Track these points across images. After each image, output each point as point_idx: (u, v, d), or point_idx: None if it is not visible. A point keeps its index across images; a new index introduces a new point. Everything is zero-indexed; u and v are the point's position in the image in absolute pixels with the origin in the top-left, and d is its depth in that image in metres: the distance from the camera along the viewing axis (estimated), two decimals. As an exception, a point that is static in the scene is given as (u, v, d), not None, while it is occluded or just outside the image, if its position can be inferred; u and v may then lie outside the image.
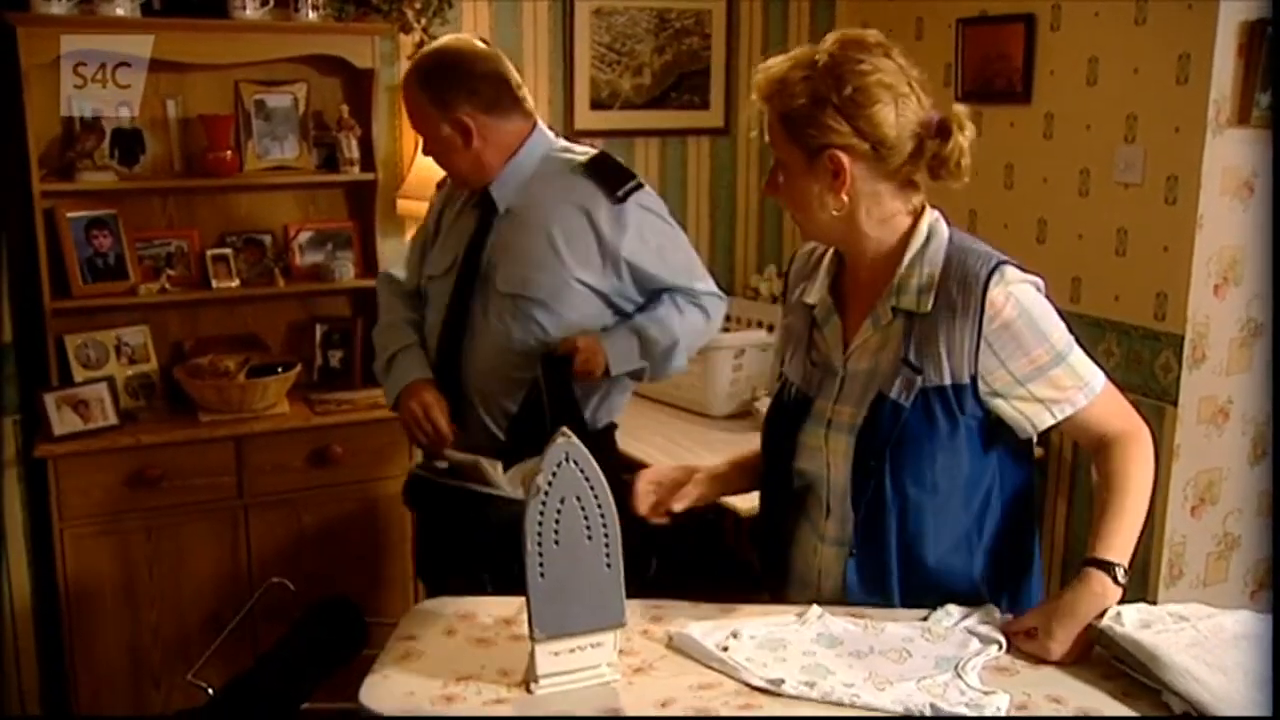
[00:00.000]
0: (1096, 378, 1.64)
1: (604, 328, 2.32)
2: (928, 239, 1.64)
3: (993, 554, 1.69)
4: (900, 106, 1.57)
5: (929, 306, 1.60)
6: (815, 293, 1.75)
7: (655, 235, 2.35)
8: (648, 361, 2.34)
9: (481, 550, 1.96)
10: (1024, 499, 1.72)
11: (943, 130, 1.59)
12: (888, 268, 1.65)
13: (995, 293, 1.57)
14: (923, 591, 1.65)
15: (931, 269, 1.61)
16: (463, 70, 2.27)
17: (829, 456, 1.68)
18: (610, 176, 2.31)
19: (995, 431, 1.64)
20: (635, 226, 2.30)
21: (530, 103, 2.39)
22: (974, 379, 1.59)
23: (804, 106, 1.57)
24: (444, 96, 2.27)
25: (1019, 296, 1.58)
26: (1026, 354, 1.58)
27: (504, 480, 1.96)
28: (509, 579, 1.68)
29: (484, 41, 2.43)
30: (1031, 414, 1.62)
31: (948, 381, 1.59)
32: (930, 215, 1.66)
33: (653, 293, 2.37)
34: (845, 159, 1.57)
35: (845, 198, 1.60)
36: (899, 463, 1.61)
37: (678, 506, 1.79)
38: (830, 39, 1.60)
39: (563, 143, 2.44)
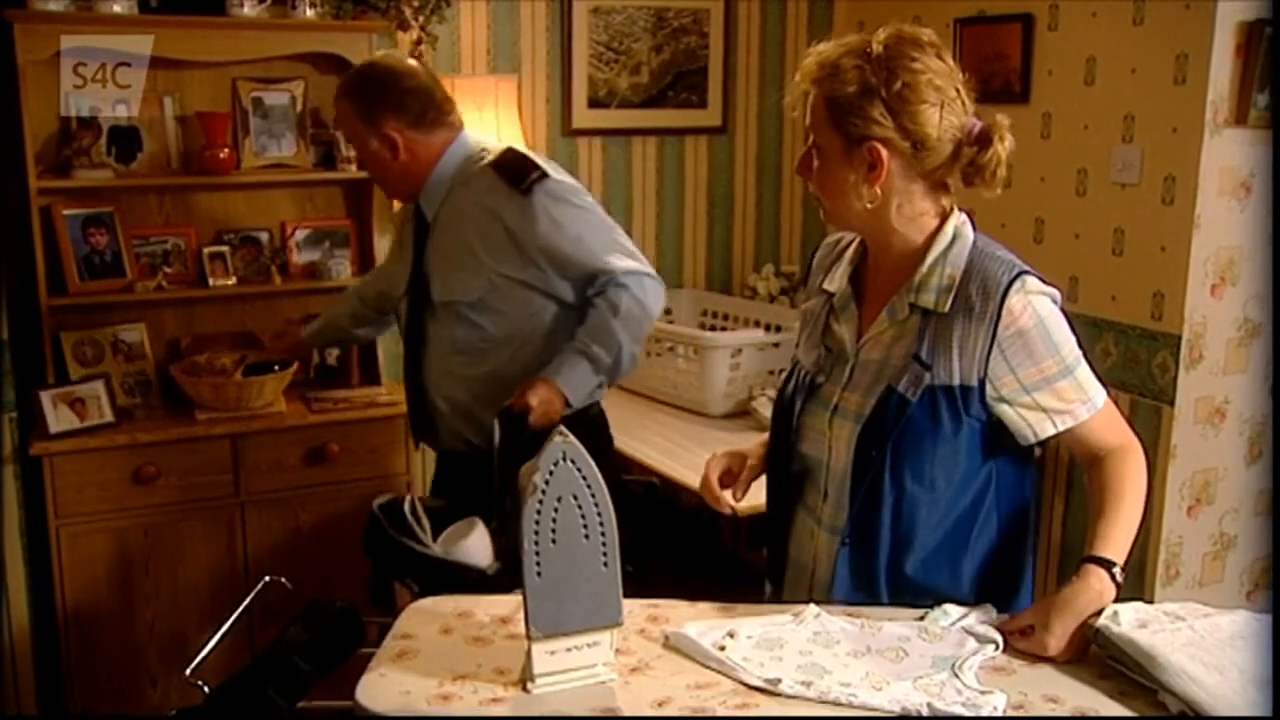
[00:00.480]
0: (1099, 394, 1.65)
1: (554, 363, 2.35)
2: (952, 241, 1.65)
3: (984, 563, 1.70)
4: (945, 109, 1.58)
5: (947, 306, 1.61)
6: (836, 281, 1.76)
7: (570, 222, 2.37)
8: (603, 376, 2.38)
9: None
10: (1021, 516, 1.73)
11: (983, 138, 1.60)
12: (910, 264, 1.65)
13: (1014, 300, 1.58)
14: (910, 588, 1.66)
15: (953, 270, 1.62)
16: (389, 86, 2.37)
17: (831, 441, 1.69)
18: (513, 170, 2.35)
19: (997, 437, 1.65)
20: (545, 215, 2.33)
21: (457, 115, 2.47)
22: (982, 382, 1.60)
23: (852, 95, 1.57)
24: (371, 112, 2.37)
25: (1037, 307, 1.59)
26: (1036, 364, 1.59)
27: (434, 545, 2.04)
28: None
29: (415, 58, 2.54)
30: (1034, 422, 1.63)
31: (956, 381, 1.60)
32: (957, 218, 1.67)
33: (585, 279, 2.39)
34: (884, 152, 1.58)
35: (878, 191, 1.60)
36: (899, 455, 1.61)
37: (740, 496, 1.86)
38: (885, 32, 1.60)
39: (481, 145, 2.49)
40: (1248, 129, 2.94)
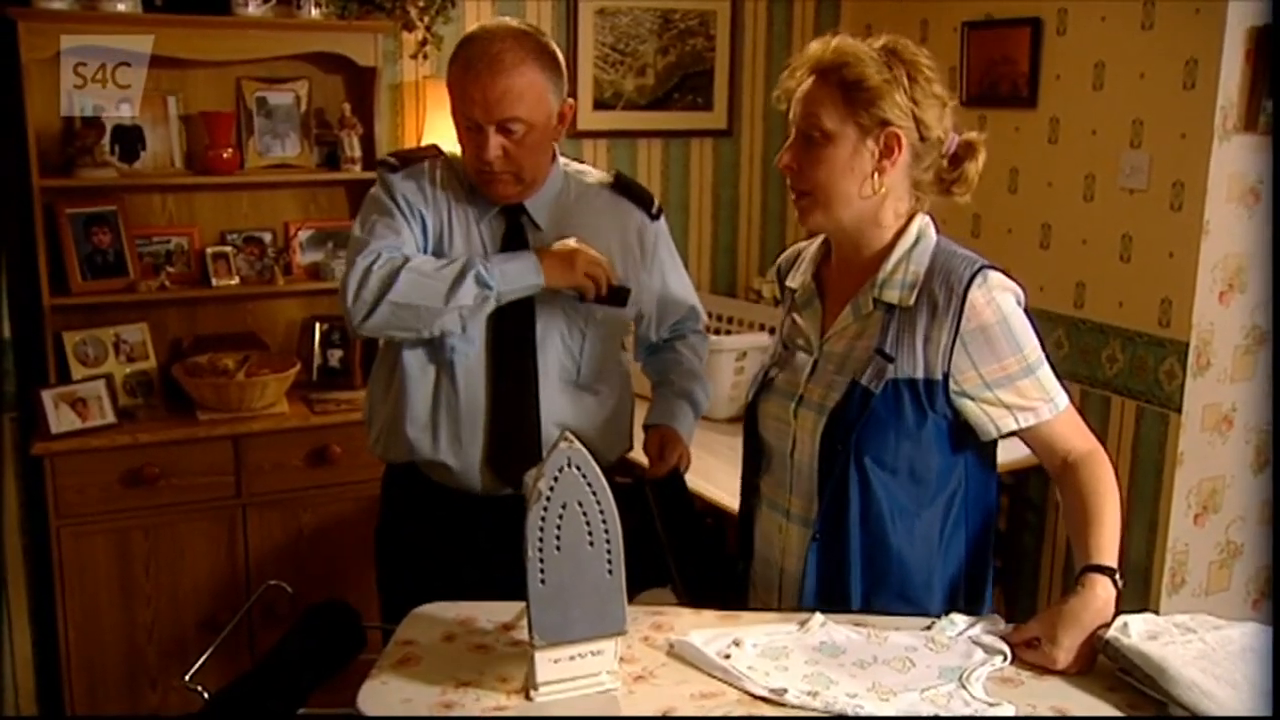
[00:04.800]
0: (1061, 395, 1.67)
1: (661, 410, 2.23)
2: (917, 240, 1.68)
3: (955, 573, 1.71)
4: (945, 114, 1.65)
5: (911, 301, 1.64)
6: (799, 278, 1.80)
7: (676, 254, 2.29)
8: (697, 418, 2.29)
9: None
10: (988, 524, 1.75)
11: (962, 151, 1.66)
12: (874, 262, 1.69)
13: (976, 295, 1.60)
14: (882, 591, 1.67)
15: (917, 267, 1.66)
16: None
17: (796, 431, 1.71)
18: (640, 195, 2.21)
19: (962, 438, 1.67)
20: (666, 245, 2.24)
21: None
22: (946, 377, 1.62)
23: (877, 81, 1.60)
24: (561, 78, 2.03)
25: (1000, 303, 1.62)
26: (999, 360, 1.61)
27: None
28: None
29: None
30: (996, 417, 1.64)
31: (920, 375, 1.62)
32: (921, 219, 1.70)
33: (674, 315, 2.28)
34: (903, 139, 1.61)
35: (883, 181, 1.63)
36: (863, 445, 1.63)
37: None
38: (885, 37, 1.65)
39: (573, 163, 2.24)
40: (1257, 135, 2.92)
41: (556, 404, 2.08)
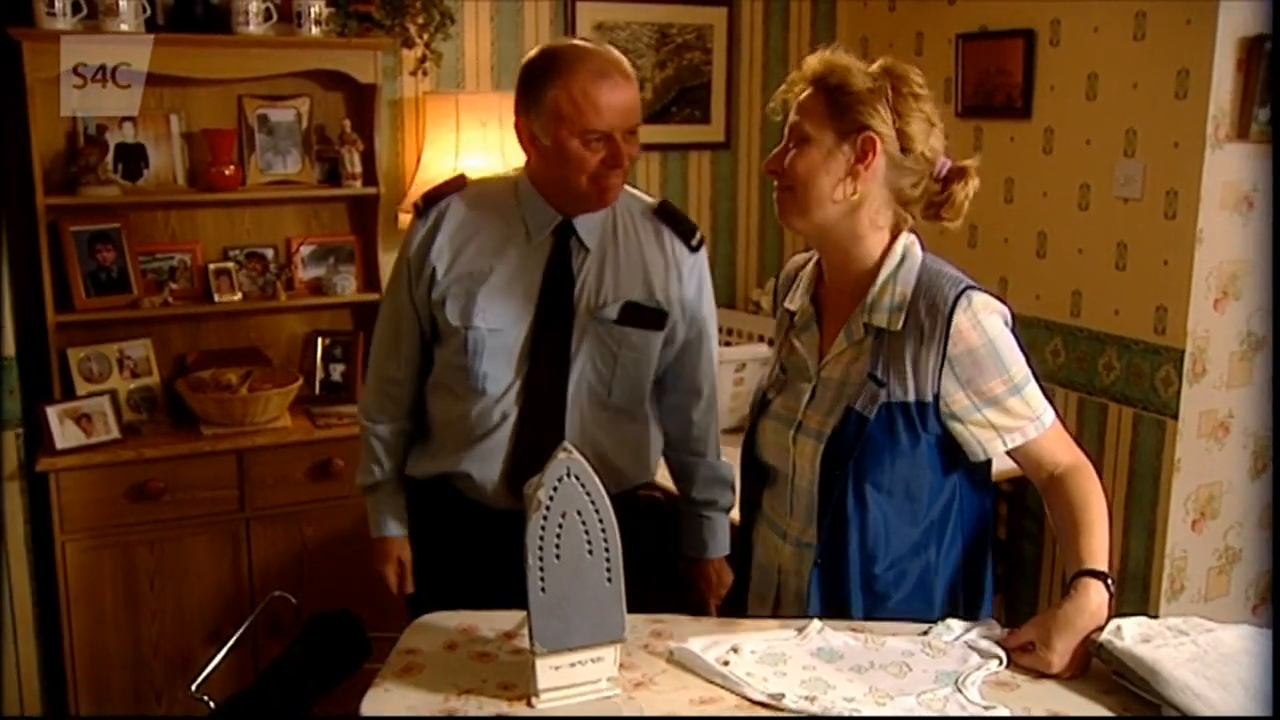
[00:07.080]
0: (1048, 413, 1.69)
1: (703, 534, 2.28)
2: (902, 259, 1.69)
3: (951, 582, 1.73)
4: (932, 133, 1.67)
5: (900, 325, 1.65)
6: (796, 300, 1.82)
7: (710, 291, 2.22)
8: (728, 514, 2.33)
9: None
10: (983, 536, 1.76)
11: (952, 175, 1.68)
12: (863, 283, 1.70)
13: (961, 318, 1.62)
14: (881, 605, 1.69)
15: (904, 288, 1.67)
16: None
17: (795, 458, 1.73)
18: (683, 224, 2.16)
19: (955, 453, 1.69)
20: (698, 278, 2.16)
21: None
22: (936, 399, 1.64)
23: (861, 89, 1.64)
24: None
25: (986, 325, 1.63)
26: (986, 382, 1.63)
27: None
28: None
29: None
30: (984, 439, 1.66)
31: (911, 398, 1.64)
32: (906, 237, 1.72)
33: (685, 367, 2.21)
34: (878, 144, 1.63)
35: (858, 186, 1.64)
36: (861, 470, 1.65)
37: None
38: (881, 60, 1.69)
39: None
40: (1249, 143, 2.95)
41: (584, 424, 2.08)
